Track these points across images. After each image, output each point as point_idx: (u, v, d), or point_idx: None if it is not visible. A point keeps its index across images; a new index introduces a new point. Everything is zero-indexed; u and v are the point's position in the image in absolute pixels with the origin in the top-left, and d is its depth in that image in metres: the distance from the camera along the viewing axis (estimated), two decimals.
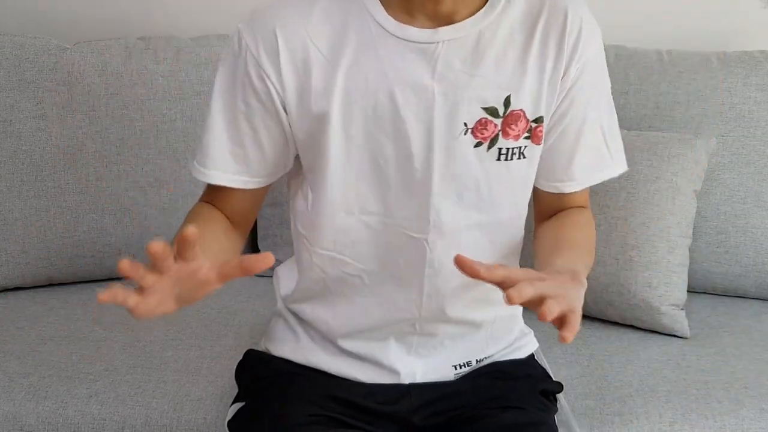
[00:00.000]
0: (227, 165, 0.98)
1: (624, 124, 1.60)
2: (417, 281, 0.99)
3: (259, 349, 1.11)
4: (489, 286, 0.86)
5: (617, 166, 1.04)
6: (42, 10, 1.87)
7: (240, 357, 1.12)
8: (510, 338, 1.10)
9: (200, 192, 1.65)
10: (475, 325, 1.05)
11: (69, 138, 1.60)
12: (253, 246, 1.79)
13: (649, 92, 1.61)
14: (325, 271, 1.01)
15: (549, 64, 0.95)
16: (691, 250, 1.50)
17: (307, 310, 1.05)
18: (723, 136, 1.57)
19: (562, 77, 0.96)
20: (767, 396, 1.23)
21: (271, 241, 1.71)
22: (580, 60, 0.95)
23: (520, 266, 1.06)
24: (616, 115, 1.04)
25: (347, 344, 1.03)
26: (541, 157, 1.00)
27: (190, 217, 0.97)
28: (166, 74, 1.64)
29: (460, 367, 1.05)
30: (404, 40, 0.92)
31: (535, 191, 1.04)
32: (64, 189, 1.61)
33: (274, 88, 0.93)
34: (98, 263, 1.64)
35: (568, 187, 1.03)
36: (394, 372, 1.03)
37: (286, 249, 1.68)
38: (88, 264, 1.63)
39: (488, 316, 1.05)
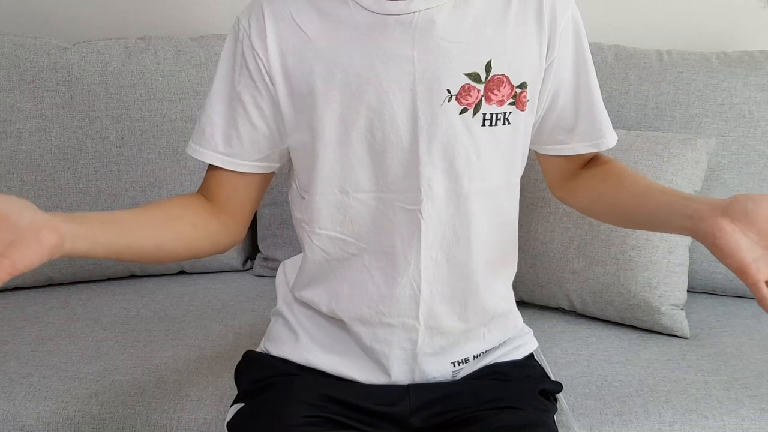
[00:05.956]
0: (219, 145, 1.00)
1: (624, 124, 1.61)
2: (414, 255, 0.99)
3: (259, 349, 1.11)
4: (488, 252, 0.98)
5: (611, 136, 1.07)
6: (42, 10, 1.87)
7: (240, 357, 1.12)
8: (506, 329, 1.09)
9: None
10: (474, 308, 1.03)
11: (69, 138, 1.60)
12: (253, 246, 1.79)
13: (649, 92, 1.61)
14: (327, 252, 1.02)
15: (531, 36, 0.97)
16: (691, 250, 1.50)
17: (315, 297, 1.05)
18: (723, 136, 1.57)
19: (548, 50, 0.98)
20: (767, 396, 1.23)
21: (271, 241, 1.71)
22: (559, 26, 0.98)
23: (520, 235, 1.09)
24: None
25: (350, 333, 1.03)
26: (544, 122, 1.03)
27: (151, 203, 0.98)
28: (166, 74, 1.64)
29: (459, 364, 1.05)
30: (381, 14, 0.94)
31: (546, 159, 1.09)
32: (64, 189, 1.61)
33: (263, 65, 0.96)
34: (98, 263, 1.64)
35: (575, 150, 1.06)
36: (393, 368, 1.03)
37: (286, 249, 1.69)
38: (88, 264, 1.63)
39: (489, 295, 1.04)
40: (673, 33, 1.79)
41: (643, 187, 1.00)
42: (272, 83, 0.97)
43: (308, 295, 1.05)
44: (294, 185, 1.05)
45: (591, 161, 1.10)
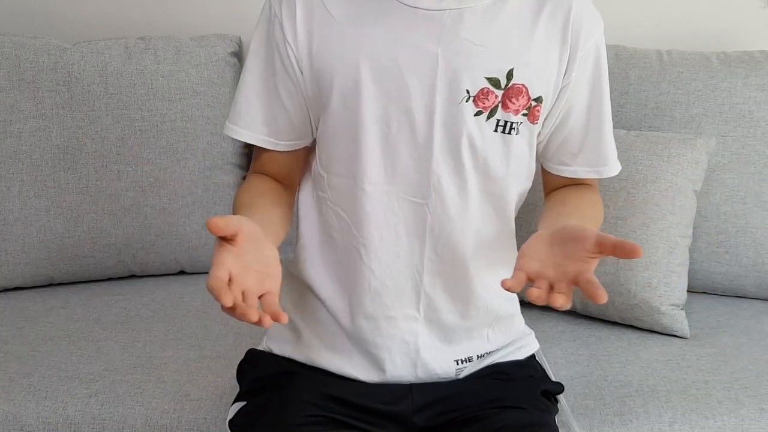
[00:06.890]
0: (255, 125, 1.03)
1: (624, 124, 1.61)
2: (419, 246, 1.00)
3: (261, 347, 1.11)
4: (489, 253, 1.00)
5: (615, 166, 1.09)
6: (42, 10, 1.87)
7: (240, 357, 1.12)
8: (510, 332, 1.09)
9: (200, 192, 1.66)
10: (476, 306, 1.04)
11: (69, 138, 1.60)
12: None
13: (649, 92, 1.61)
14: (334, 237, 1.02)
15: (554, 53, 0.98)
16: (691, 250, 1.50)
17: (318, 283, 1.05)
18: (723, 136, 1.57)
19: (566, 70, 0.99)
20: (767, 396, 1.23)
21: None
22: (580, 50, 0.98)
23: (520, 235, 1.09)
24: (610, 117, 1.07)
25: (353, 329, 1.03)
26: (550, 141, 1.04)
27: (241, 196, 1.02)
28: (166, 74, 1.64)
29: (462, 363, 1.05)
30: (412, 7, 0.95)
31: (545, 171, 1.10)
32: (64, 189, 1.61)
33: (292, 49, 0.98)
34: (98, 263, 1.64)
35: (576, 173, 1.07)
36: (396, 362, 1.03)
37: (285, 249, 1.69)
38: (88, 264, 1.63)
39: (490, 294, 1.05)
40: (673, 33, 1.79)
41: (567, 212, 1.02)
42: (300, 69, 0.98)
43: (312, 275, 1.06)
44: (315, 158, 1.05)
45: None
